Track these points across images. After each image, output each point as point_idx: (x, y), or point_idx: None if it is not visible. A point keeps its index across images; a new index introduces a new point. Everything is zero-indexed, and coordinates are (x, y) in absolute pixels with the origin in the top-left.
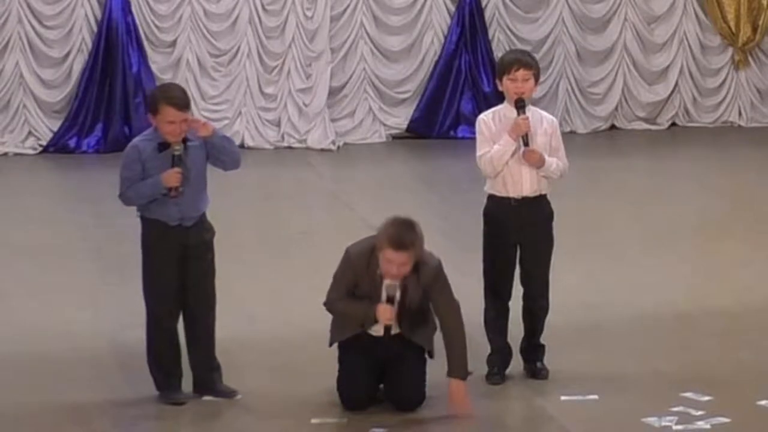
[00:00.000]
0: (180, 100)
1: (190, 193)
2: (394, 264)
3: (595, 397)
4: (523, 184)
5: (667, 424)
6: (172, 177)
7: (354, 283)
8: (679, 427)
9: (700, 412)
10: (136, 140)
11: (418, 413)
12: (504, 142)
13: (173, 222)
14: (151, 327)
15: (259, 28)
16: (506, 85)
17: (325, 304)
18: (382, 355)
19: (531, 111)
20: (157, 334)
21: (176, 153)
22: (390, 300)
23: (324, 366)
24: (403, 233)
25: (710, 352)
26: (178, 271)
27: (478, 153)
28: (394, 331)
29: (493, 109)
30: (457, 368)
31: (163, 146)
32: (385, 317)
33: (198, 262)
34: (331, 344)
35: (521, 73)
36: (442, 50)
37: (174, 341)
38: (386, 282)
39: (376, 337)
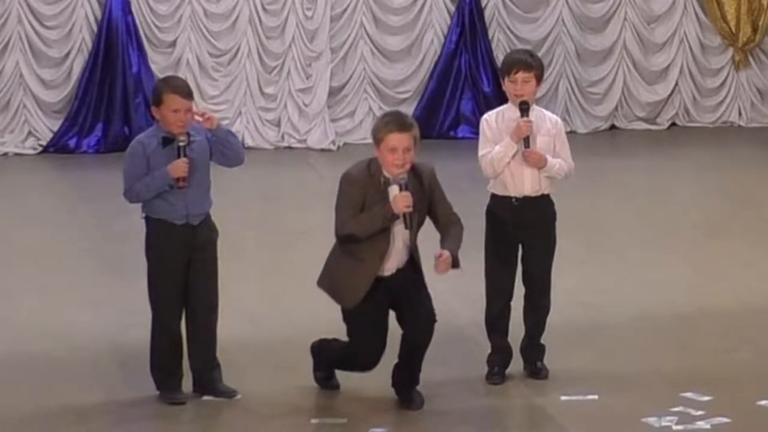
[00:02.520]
0: (184, 88)
1: (195, 190)
2: (398, 150)
3: (595, 397)
4: (524, 183)
5: (667, 424)
6: (179, 167)
7: (361, 202)
8: (679, 427)
9: (700, 412)
10: (139, 137)
11: (417, 414)
12: (505, 143)
13: (180, 221)
14: (155, 327)
15: (259, 28)
16: (507, 86)
17: (336, 231)
18: (390, 297)
19: (535, 111)
20: (161, 334)
21: (181, 143)
22: (403, 188)
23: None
24: (401, 116)
25: (710, 352)
26: (184, 271)
27: (480, 153)
28: (412, 224)
29: (497, 109)
30: (452, 248)
31: (167, 141)
32: (403, 204)
33: (202, 263)
34: (348, 306)
35: (521, 75)
36: (442, 50)
37: (177, 341)
38: (393, 177)
39: (382, 283)
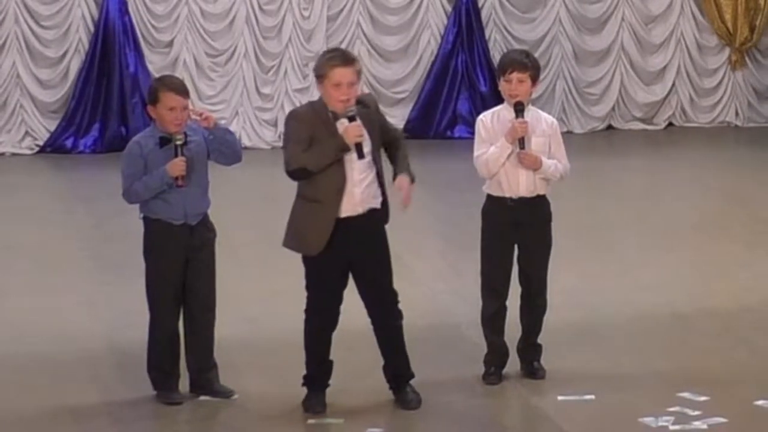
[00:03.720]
0: (179, 86)
1: (193, 190)
2: (343, 85)
3: (592, 397)
4: (519, 184)
5: (664, 424)
6: (177, 166)
7: (308, 138)
8: (676, 427)
9: (697, 412)
10: (136, 137)
11: (414, 414)
12: (500, 144)
13: (178, 221)
14: (153, 327)
15: (256, 28)
16: (502, 86)
17: (286, 166)
18: (351, 245)
19: (530, 112)
20: (159, 334)
21: (179, 142)
22: (352, 119)
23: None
24: (344, 51)
25: (707, 352)
26: (182, 272)
27: (475, 153)
28: (366, 150)
29: (493, 109)
30: (405, 170)
31: (164, 141)
32: (354, 134)
33: (200, 263)
34: (314, 253)
35: (516, 76)
36: (439, 50)
37: (174, 341)
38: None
39: (347, 226)
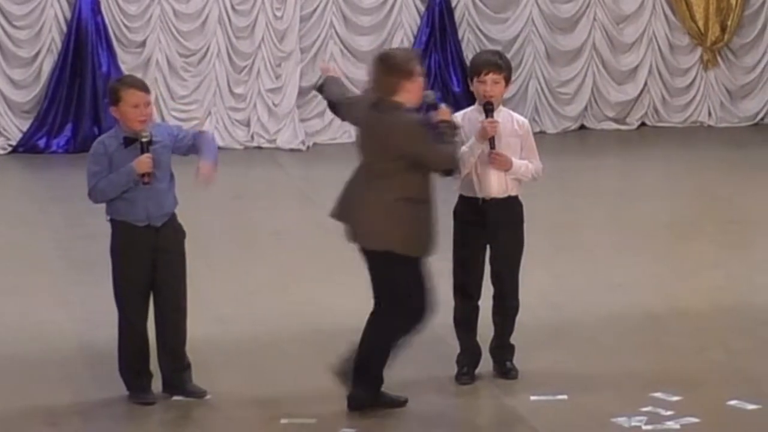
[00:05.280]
0: (140, 82)
1: (156, 191)
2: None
3: (565, 397)
4: (490, 185)
5: (637, 424)
6: (143, 163)
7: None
8: (649, 427)
9: (669, 412)
10: (100, 137)
11: (387, 414)
12: (470, 144)
13: (141, 223)
14: (122, 328)
15: (228, 28)
16: (476, 87)
17: (445, 157)
18: None
19: (501, 112)
20: (128, 335)
21: (144, 139)
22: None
23: (294, 366)
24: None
25: (680, 352)
26: (149, 273)
27: None
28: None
29: (463, 110)
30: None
31: (129, 141)
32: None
33: (169, 264)
34: (431, 253)
35: (491, 77)
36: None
37: (144, 342)
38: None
39: None
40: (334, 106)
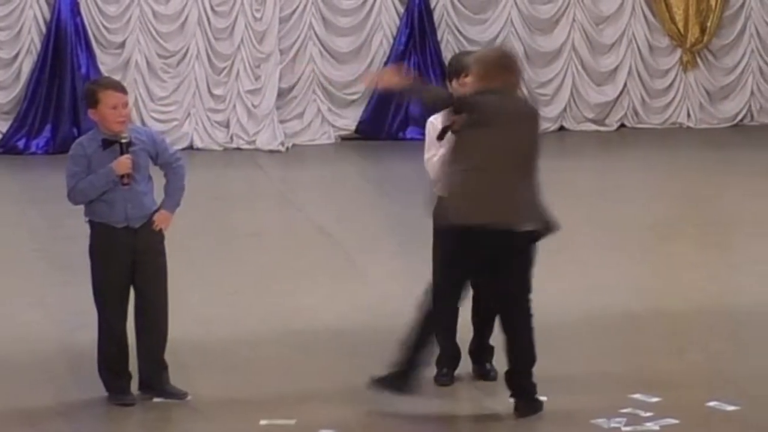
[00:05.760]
0: (117, 83)
1: (135, 193)
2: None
3: (544, 398)
4: None
5: (616, 425)
6: (123, 163)
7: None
8: (628, 428)
9: (648, 414)
10: (79, 139)
11: (366, 414)
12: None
13: (120, 224)
14: (101, 330)
15: (208, 30)
16: (455, 88)
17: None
18: None
19: None
20: (108, 336)
21: (124, 140)
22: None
23: (274, 367)
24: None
25: (659, 353)
26: (128, 274)
27: (426, 155)
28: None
29: (443, 111)
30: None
31: (107, 143)
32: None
33: (149, 265)
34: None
35: (466, 80)
36: (391, 51)
37: (123, 343)
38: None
39: None
40: None
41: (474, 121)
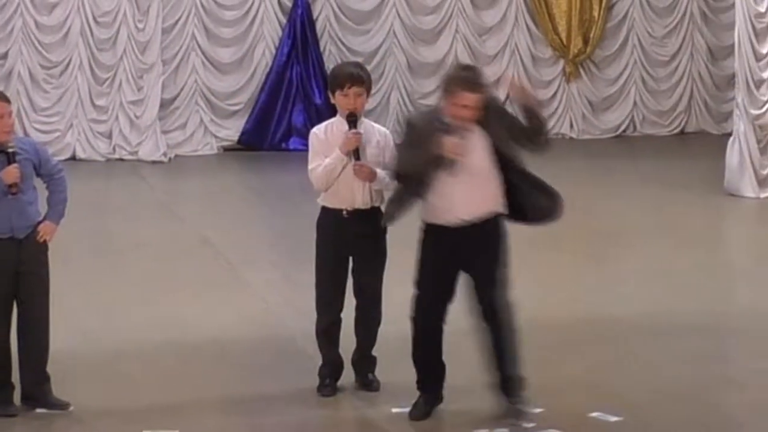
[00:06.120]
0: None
1: (20, 203)
2: (469, 107)
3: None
4: (355, 196)
5: None
6: (11, 173)
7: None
8: None
9: (531, 424)
10: None
11: (249, 425)
12: (335, 156)
13: (5, 235)
14: None
15: (90, 40)
16: (339, 100)
17: (397, 172)
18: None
19: (363, 123)
20: None
21: (11, 150)
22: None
23: (156, 377)
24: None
25: (542, 363)
26: (12, 285)
27: (310, 166)
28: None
29: (325, 122)
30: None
31: None
32: (457, 150)
33: (32, 276)
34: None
35: (354, 90)
36: (274, 62)
37: (5, 354)
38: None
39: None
40: None
41: None
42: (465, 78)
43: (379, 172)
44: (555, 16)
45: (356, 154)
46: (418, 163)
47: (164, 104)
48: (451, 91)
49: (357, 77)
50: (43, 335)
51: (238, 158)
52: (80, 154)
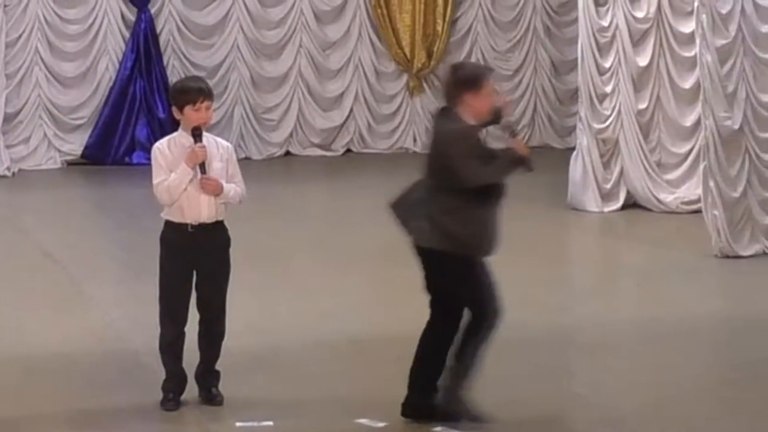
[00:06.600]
0: None
1: None
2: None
3: (270, 423)
4: (200, 210)
5: None
6: None
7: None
8: None
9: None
10: None
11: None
12: (181, 170)
13: None
14: None
15: None
16: (190, 114)
17: (474, 176)
18: None
19: (206, 138)
20: None
21: None
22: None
23: (56, 387)
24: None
25: (386, 378)
26: None
27: (155, 181)
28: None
29: (168, 137)
30: None
31: None
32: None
33: None
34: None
35: (206, 104)
36: (117, 76)
37: None
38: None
39: None
40: None
41: None
42: (480, 67)
43: (225, 185)
44: (399, 31)
45: (202, 168)
46: (503, 172)
47: (8, 118)
48: (479, 85)
49: (208, 91)
50: None
51: (81, 172)
52: None
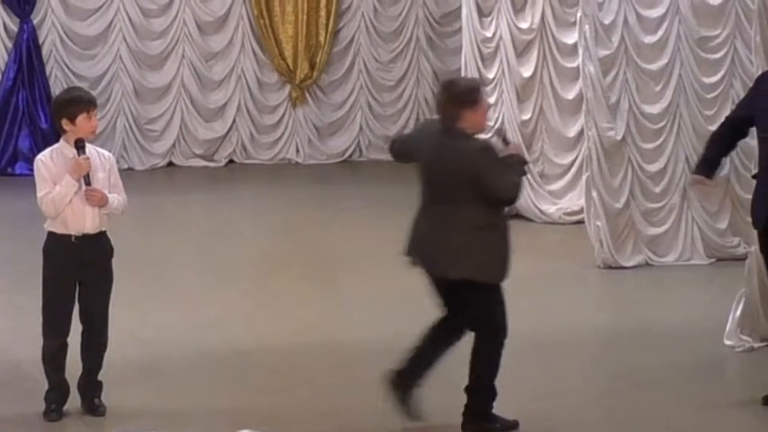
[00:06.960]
0: None
1: None
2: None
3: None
4: (84, 221)
5: None
6: None
7: None
8: None
9: None
10: None
11: None
12: (66, 182)
13: None
14: None
15: None
16: (82, 124)
17: (512, 186)
18: None
19: (89, 148)
20: None
21: None
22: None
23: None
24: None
25: (268, 389)
26: None
27: (39, 194)
28: None
29: (50, 148)
30: None
31: None
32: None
33: None
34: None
35: (95, 113)
36: (0, 87)
37: None
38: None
39: None
40: (401, 155)
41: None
42: (473, 81)
43: (110, 196)
44: (281, 41)
45: (87, 179)
46: (522, 176)
47: None
48: (476, 100)
49: (95, 101)
50: None
51: None
52: None
